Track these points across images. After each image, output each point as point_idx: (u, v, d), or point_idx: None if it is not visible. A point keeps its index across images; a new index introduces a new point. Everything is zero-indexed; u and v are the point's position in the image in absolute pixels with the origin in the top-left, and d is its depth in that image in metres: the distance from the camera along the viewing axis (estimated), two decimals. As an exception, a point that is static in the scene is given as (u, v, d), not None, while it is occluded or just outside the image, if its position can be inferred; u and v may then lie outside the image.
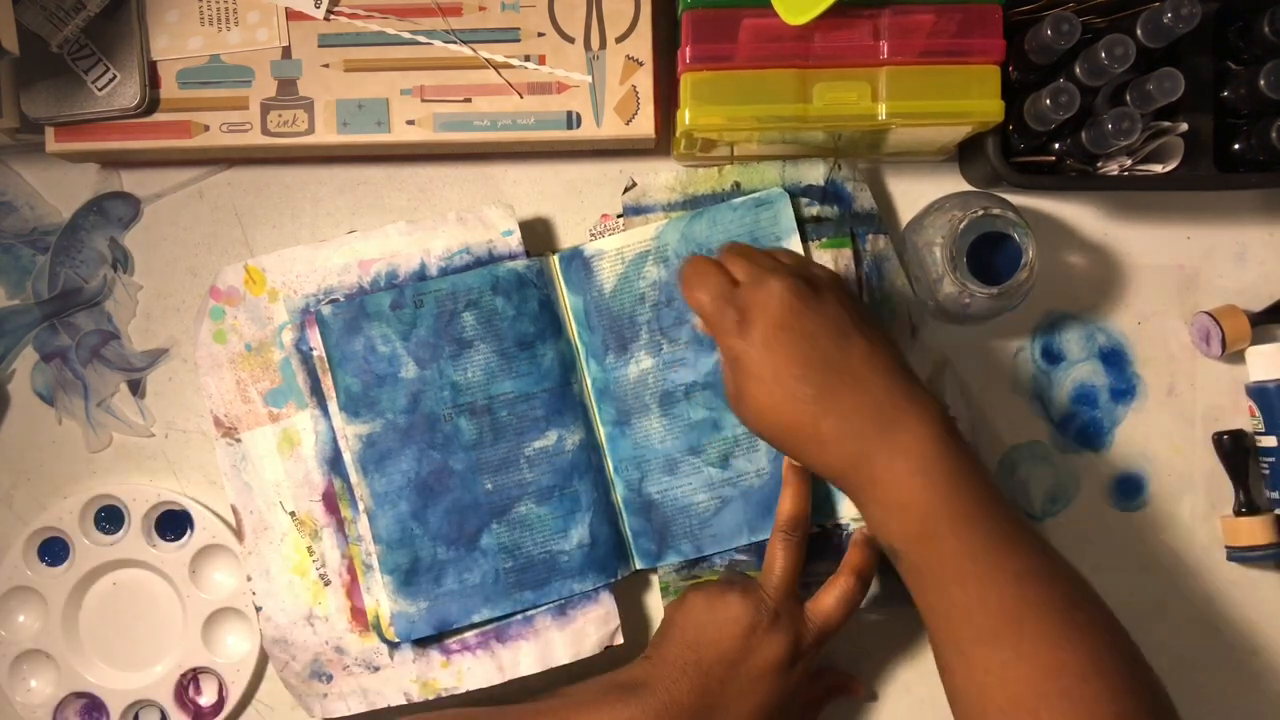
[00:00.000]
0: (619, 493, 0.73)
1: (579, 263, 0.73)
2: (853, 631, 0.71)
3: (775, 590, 0.67)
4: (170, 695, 0.75)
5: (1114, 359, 0.78)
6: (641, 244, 0.72)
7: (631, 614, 0.75)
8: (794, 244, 0.72)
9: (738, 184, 0.74)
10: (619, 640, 0.72)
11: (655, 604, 0.76)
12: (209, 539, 0.74)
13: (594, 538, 0.72)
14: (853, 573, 0.67)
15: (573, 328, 0.73)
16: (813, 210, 0.73)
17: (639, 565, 0.73)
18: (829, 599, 0.67)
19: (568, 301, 0.73)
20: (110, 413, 0.76)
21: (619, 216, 0.75)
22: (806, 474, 0.69)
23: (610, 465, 0.73)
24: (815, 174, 0.73)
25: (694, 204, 0.74)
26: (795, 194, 0.73)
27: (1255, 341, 0.76)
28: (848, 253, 0.73)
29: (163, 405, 0.76)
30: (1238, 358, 0.77)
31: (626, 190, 0.74)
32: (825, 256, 0.73)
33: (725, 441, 0.72)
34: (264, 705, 0.76)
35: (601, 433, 0.73)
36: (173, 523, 0.76)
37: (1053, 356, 0.78)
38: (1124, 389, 0.78)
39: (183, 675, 0.75)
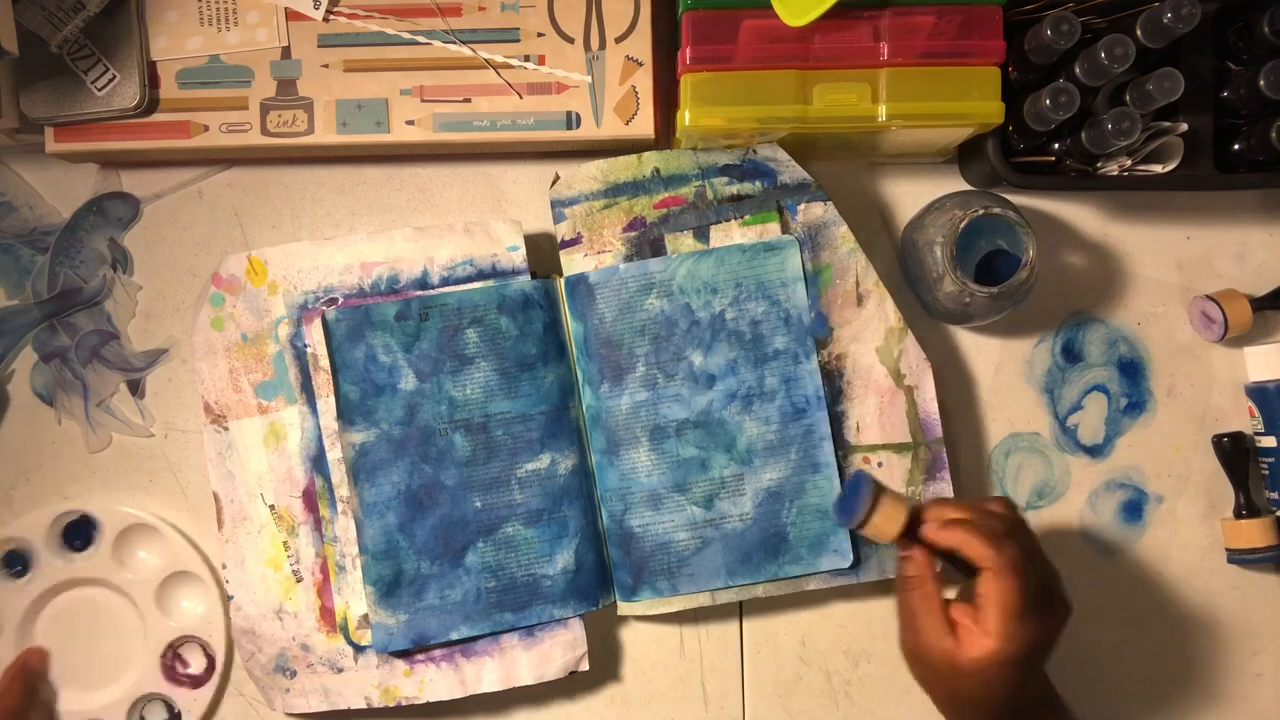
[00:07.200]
0: (603, 522, 0.73)
1: (584, 288, 0.72)
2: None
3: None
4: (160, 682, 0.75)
5: (1131, 370, 0.78)
6: (646, 275, 0.72)
7: (602, 643, 0.75)
8: (798, 291, 0.72)
9: (657, 170, 0.73)
10: (584, 667, 0.72)
11: (627, 635, 0.76)
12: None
13: (579, 564, 0.71)
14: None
15: (574, 352, 0.73)
16: (732, 189, 0.73)
17: (618, 597, 0.73)
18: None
19: (570, 326, 0.73)
20: (110, 413, 0.76)
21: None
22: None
23: (597, 494, 0.73)
24: (732, 154, 0.73)
25: (616, 192, 0.73)
26: (712, 175, 0.73)
27: (1256, 328, 0.76)
28: (774, 226, 0.73)
29: (162, 405, 0.76)
30: (1237, 354, 0.78)
31: (553, 185, 0.73)
32: (750, 232, 0.73)
33: (712, 482, 0.71)
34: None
35: (592, 460, 0.73)
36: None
37: (1072, 355, 0.78)
38: (1136, 402, 0.78)
39: (163, 655, 0.75)
